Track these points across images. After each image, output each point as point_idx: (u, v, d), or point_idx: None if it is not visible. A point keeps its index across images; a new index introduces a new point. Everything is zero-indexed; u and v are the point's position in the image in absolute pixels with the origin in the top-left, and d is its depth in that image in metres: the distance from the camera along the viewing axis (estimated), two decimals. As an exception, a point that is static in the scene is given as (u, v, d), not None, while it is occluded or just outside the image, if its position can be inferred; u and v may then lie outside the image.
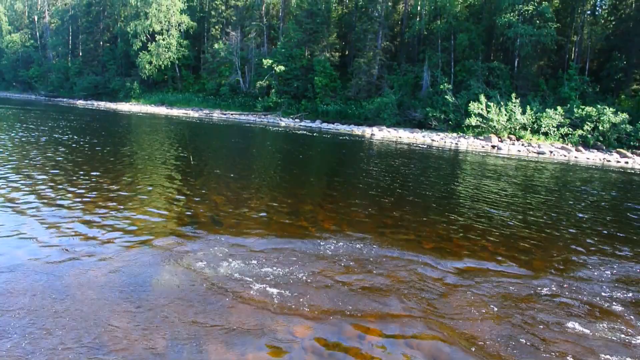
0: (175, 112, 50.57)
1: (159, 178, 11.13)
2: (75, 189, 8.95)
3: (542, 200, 12.23)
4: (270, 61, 47.44)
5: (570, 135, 32.61)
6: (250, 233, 6.82)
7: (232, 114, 48.57)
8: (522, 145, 32.17)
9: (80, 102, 60.70)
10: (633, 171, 23.76)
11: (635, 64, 36.36)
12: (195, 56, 60.63)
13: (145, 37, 57.50)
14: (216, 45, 54.41)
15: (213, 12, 59.51)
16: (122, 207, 7.87)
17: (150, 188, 9.74)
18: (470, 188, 13.48)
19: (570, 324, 4.60)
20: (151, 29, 57.05)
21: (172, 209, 8.01)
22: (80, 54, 70.32)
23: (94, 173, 10.97)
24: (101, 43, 68.05)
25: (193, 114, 49.11)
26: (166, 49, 57.03)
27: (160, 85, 61.17)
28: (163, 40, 57.02)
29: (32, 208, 7.37)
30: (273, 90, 48.36)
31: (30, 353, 3.51)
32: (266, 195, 9.91)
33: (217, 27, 58.72)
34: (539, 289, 5.50)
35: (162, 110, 51.61)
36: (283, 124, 41.84)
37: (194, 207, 8.22)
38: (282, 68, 46.66)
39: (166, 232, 6.62)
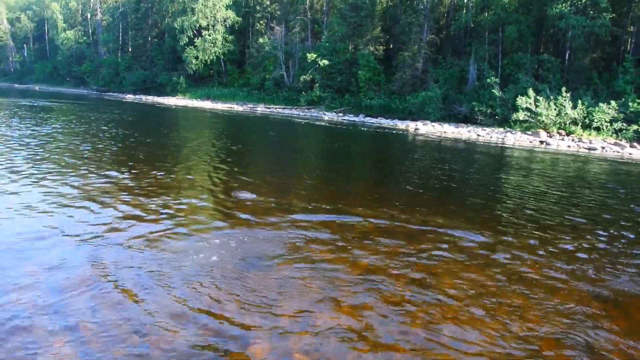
0: (220, 106, 51.50)
1: (210, 170, 11.47)
2: (131, 180, 9.37)
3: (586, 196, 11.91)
4: (314, 55, 47.58)
5: (624, 131, 31.35)
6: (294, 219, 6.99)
7: (275, 108, 49.05)
8: (572, 140, 31.18)
9: (129, 97, 62.65)
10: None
11: (696, 56, 34.54)
12: (240, 51, 61.49)
13: (191, 33, 58.71)
14: (261, 40, 55.04)
15: (258, 7, 60.22)
16: (180, 197, 8.19)
17: (203, 178, 10.07)
18: (513, 185, 13.25)
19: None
20: (197, 25, 58.19)
21: (222, 197, 8.27)
22: (130, 49, 72.61)
23: (146, 166, 11.40)
24: (149, 39, 70.02)
25: (237, 108, 49.91)
26: (212, 44, 58.05)
27: (205, 80, 62.37)
28: (209, 35, 58.07)
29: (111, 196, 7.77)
30: (317, 84, 48.54)
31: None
32: (310, 186, 10.06)
33: (261, 22, 59.38)
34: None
35: (207, 105, 52.65)
36: (326, 118, 41.98)
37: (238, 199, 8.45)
38: (326, 62, 46.74)
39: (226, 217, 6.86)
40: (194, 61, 58.45)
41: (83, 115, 25.73)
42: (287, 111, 47.22)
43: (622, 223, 9.09)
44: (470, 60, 40.52)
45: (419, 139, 27.88)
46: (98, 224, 6.60)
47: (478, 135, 33.04)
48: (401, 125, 37.20)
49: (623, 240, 7.70)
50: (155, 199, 8.10)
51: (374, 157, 18.52)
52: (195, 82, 62.60)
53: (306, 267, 5.41)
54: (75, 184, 8.88)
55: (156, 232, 6.34)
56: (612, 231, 8.20)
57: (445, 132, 34.07)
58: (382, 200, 9.20)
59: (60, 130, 18.89)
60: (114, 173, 10.08)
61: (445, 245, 6.66)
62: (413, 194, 10.22)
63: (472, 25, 42.97)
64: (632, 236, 7.99)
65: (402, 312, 4.52)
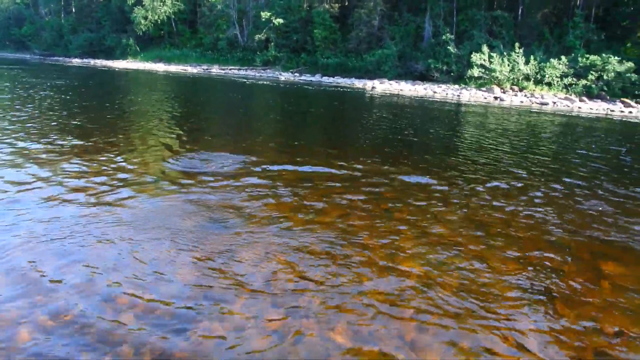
0: (173, 68, 49.87)
1: (164, 131, 11.05)
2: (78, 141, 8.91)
3: (517, 145, 12.18)
4: (268, 14, 46.37)
5: (574, 86, 32.14)
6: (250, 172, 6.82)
7: (230, 69, 47.86)
8: (525, 96, 31.77)
9: (75, 61, 59.72)
10: (637, 120, 23.59)
11: (642, 10, 35.45)
12: (191, 10, 59.19)
13: (140, -9, 56.14)
14: (212, -1, 53.15)
15: (208, -36, 57.82)
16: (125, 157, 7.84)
17: (154, 138, 9.68)
18: (468, 139, 13.40)
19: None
20: (144, -17, 55.63)
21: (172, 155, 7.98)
22: (73, 10, 68.74)
23: (95, 129, 10.88)
24: (94, -1, 66.51)
25: (191, 70, 48.42)
26: (161, 3, 55.64)
27: (156, 42, 60.03)
28: (157, -7, 55.63)
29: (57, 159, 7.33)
30: (272, 44, 47.50)
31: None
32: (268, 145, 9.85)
33: (212, -21, 57.15)
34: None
35: (160, 67, 50.87)
36: (283, 78, 41.30)
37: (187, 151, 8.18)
38: (281, 21, 45.67)
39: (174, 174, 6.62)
40: (143, 22, 55.99)
41: (24, 81, 24.29)
42: (242, 72, 46.16)
43: (573, 172, 9.31)
44: (425, 17, 40.36)
45: (376, 97, 27.78)
46: (32, 189, 6.21)
47: (434, 92, 33.23)
48: (358, 84, 36.98)
49: (576, 190, 7.87)
50: (103, 164, 7.70)
51: (332, 116, 18.32)
52: (145, 44, 60.19)
53: (268, 226, 5.26)
54: (12, 150, 8.33)
55: (104, 196, 6.02)
56: (565, 179, 8.38)
57: (402, 90, 34.09)
58: (342, 157, 9.08)
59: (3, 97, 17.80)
60: (56, 139, 9.51)
61: (407, 197, 6.63)
62: (372, 150, 10.15)
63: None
64: (584, 184, 8.18)
65: (363, 261, 4.45)
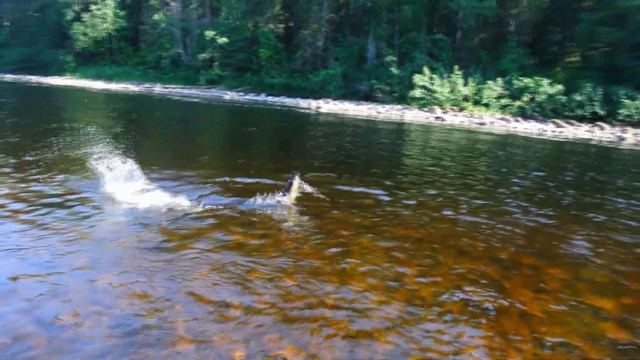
0: (114, 86, 48.42)
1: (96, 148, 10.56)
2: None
3: (452, 163, 12.52)
4: (213, 33, 46.01)
5: (509, 106, 33.58)
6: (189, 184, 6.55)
7: (174, 88, 46.98)
8: (465, 116, 32.86)
9: (8, 77, 56.94)
10: (567, 139, 24.80)
11: (569, 37, 37.68)
12: (134, 27, 57.92)
13: (78, 7, 54.42)
14: (156, 16, 52.13)
15: (151, -19, 56.90)
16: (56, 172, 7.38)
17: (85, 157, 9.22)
18: (411, 156, 13.62)
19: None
20: (84, -2, 54.11)
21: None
22: (7, 24, 65.74)
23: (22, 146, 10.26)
24: (30, 12, 63.72)
25: (133, 88, 47.17)
26: (102, 20, 54.17)
27: (96, 58, 58.23)
28: (98, 10, 54.10)
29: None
30: (216, 63, 47.09)
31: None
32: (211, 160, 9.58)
33: (156, -4, 56.26)
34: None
35: (100, 85, 49.27)
36: (227, 97, 40.90)
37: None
38: (226, 40, 45.39)
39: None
40: (82, 38, 54.24)
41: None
42: (186, 91, 45.38)
43: (509, 188, 9.55)
44: (369, 39, 41.24)
45: (322, 117, 27.94)
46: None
47: (378, 112, 33.80)
48: (303, 103, 37.11)
49: (512, 205, 8.05)
50: (31, 182, 7.22)
51: (279, 136, 18.22)
52: (84, 61, 58.25)
53: (208, 244, 5.02)
54: None
55: (35, 215, 5.60)
56: (502, 195, 8.57)
57: (347, 109, 34.48)
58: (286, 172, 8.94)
59: None
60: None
61: (354, 209, 6.55)
62: (319, 167, 10.06)
63: (370, 5, 43.58)
64: (519, 199, 8.39)
65: (311, 276, 4.30)
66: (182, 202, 6.38)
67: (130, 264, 4.32)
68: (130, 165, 7.33)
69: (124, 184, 7.05)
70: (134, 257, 4.50)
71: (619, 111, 30.77)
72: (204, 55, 47.22)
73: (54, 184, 7.05)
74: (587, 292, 4.45)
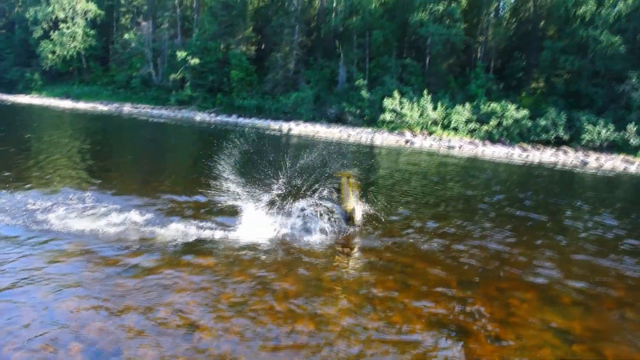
0: (83, 105, 47.61)
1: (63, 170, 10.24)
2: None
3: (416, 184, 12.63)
4: (184, 53, 45.82)
5: (477, 131, 34.26)
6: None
7: (144, 108, 46.44)
8: (434, 140, 33.36)
9: (-29, 94, 55.52)
10: (532, 164, 25.34)
11: (534, 64, 38.84)
12: (104, 46, 57.31)
13: (47, 25, 53.64)
14: (126, 36, 51.70)
15: (123, 1, 56.50)
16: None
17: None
18: (380, 180, 13.67)
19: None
20: (54, 16, 53.29)
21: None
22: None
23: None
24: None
25: (102, 107, 46.48)
26: (71, 38, 53.47)
27: (65, 77, 57.29)
28: (67, 28, 53.42)
29: None
30: (187, 83, 46.83)
31: None
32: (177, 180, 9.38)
33: (127, 16, 55.94)
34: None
35: (67, 104, 48.36)
36: (198, 118, 40.65)
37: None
38: (197, 61, 45.25)
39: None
40: (50, 56, 53.36)
41: None
42: (156, 111, 44.91)
43: (476, 211, 9.62)
44: (340, 63, 41.71)
45: (293, 139, 27.94)
46: None
47: (349, 135, 34.02)
48: (274, 125, 37.12)
49: (478, 228, 8.09)
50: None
51: (250, 157, 18.08)
52: (52, 79, 57.24)
53: (170, 268, 4.86)
54: None
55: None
56: (470, 218, 8.61)
57: (318, 132, 34.61)
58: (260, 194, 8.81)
59: None
60: None
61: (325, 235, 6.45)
62: (290, 189, 9.96)
63: (342, 29, 44.23)
64: (486, 222, 8.44)
65: (275, 305, 4.17)
66: (148, 223, 6.19)
67: (93, 289, 4.14)
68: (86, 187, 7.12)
69: (76, 207, 6.83)
70: (97, 281, 4.32)
71: (582, 136, 31.73)
72: (174, 76, 46.94)
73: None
74: (554, 314, 4.45)
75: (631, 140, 31.00)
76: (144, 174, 11.27)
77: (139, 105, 47.43)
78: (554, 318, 4.39)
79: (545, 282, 5.41)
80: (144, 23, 51.16)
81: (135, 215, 6.74)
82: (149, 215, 6.88)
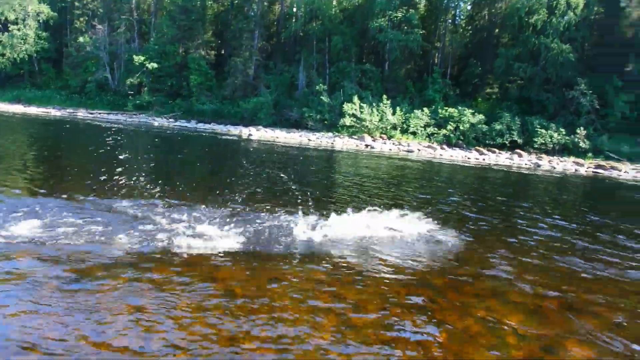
0: (34, 110, 45.91)
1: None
2: None
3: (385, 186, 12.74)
4: (141, 58, 44.94)
5: (435, 135, 34.87)
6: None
7: (100, 113, 45.18)
8: (393, 144, 33.72)
9: None
10: (489, 166, 25.90)
11: (489, 70, 39.89)
12: (57, 49, 55.56)
13: (-5, 27, 51.75)
14: (81, 39, 50.31)
15: (77, 3, 54.88)
16: None
17: None
18: (341, 182, 13.67)
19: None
20: (3, 18, 51.36)
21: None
22: None
23: None
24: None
25: (55, 112, 44.91)
26: (22, 41, 51.66)
27: (15, 81, 55.22)
28: (18, 30, 51.59)
29: None
30: (145, 88, 45.96)
31: None
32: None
33: (81, 19, 54.36)
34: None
35: (18, 109, 46.58)
36: (156, 123, 39.83)
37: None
38: (155, 65, 44.47)
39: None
40: (-1, 59, 51.46)
41: None
42: (112, 116, 43.77)
43: (437, 213, 9.70)
44: (299, 68, 41.76)
45: (253, 143, 27.71)
46: None
47: (309, 140, 34.01)
48: (234, 130, 36.76)
49: (440, 229, 8.12)
50: None
51: (208, 162, 17.79)
52: (1, 83, 55.12)
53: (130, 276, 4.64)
54: None
55: None
56: (431, 218, 8.64)
57: (277, 137, 34.44)
58: (214, 200, 8.61)
59: None
60: None
61: (284, 237, 6.34)
62: (245, 193, 9.79)
63: (301, 34, 44.34)
64: (447, 224, 8.48)
65: (235, 309, 4.02)
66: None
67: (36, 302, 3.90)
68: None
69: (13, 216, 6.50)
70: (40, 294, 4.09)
71: (535, 139, 32.73)
72: (132, 80, 45.96)
73: None
74: (511, 315, 4.47)
75: (581, 144, 32.20)
76: (94, 181, 10.87)
77: (94, 111, 46.11)
78: (506, 317, 4.41)
79: (498, 282, 5.44)
80: (99, 26, 49.83)
81: (80, 222, 6.47)
82: (95, 225, 6.62)
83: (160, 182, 10.80)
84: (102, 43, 49.03)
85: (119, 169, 10.69)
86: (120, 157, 14.54)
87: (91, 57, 50.30)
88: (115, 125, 33.42)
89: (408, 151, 31.22)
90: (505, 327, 4.15)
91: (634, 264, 6.63)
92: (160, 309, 3.99)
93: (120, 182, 9.29)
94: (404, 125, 35.69)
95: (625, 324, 4.47)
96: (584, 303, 4.99)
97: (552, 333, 4.17)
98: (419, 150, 31.83)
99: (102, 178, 9.63)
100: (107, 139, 22.77)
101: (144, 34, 52.64)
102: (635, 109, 33.61)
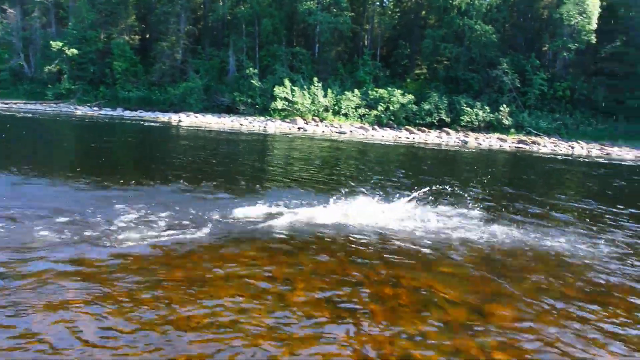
0: (-60, 102, 42.46)
1: None
2: None
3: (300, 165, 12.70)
4: (60, 44, 42.36)
5: (366, 116, 35.25)
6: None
7: (15, 103, 42.26)
8: (326, 126, 33.78)
9: None
10: (419, 145, 26.48)
11: (417, 51, 40.70)
12: (-35, 36, 51.49)
13: None
14: (-10, 24, 46.86)
15: (-16, -14, 51.04)
16: None
17: None
18: (276, 165, 13.46)
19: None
20: None
21: None
22: None
23: None
24: None
25: (-37, 104, 41.73)
26: None
27: None
28: None
29: None
30: (65, 75, 43.41)
31: None
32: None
33: (-10, 3, 50.57)
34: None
35: None
36: (79, 112, 37.78)
37: None
38: (75, 51, 42.04)
39: None
40: None
41: None
42: (30, 107, 41.08)
43: (368, 188, 9.68)
44: (229, 52, 40.87)
45: (183, 130, 26.85)
46: None
47: (241, 124, 33.44)
48: (163, 117, 35.50)
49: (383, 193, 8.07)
50: None
51: (138, 152, 16.97)
52: None
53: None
54: None
55: None
56: (370, 192, 8.59)
57: (209, 122, 33.61)
58: (152, 193, 8.15)
59: None
60: None
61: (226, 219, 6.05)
62: (179, 180, 9.37)
63: (230, 18, 43.34)
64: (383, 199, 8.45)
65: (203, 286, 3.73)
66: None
67: None
68: None
69: None
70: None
71: (461, 118, 33.81)
72: (50, 68, 43.27)
73: None
74: (435, 281, 4.49)
75: (504, 121, 33.60)
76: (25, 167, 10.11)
77: (9, 101, 43.05)
78: (434, 285, 4.41)
79: (426, 251, 5.45)
80: (10, 10, 46.51)
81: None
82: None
83: (79, 170, 10.20)
84: (14, 28, 45.84)
85: (42, 160, 10.02)
86: (43, 148, 13.62)
87: (3, 44, 46.92)
88: (31, 115, 31.41)
89: (340, 133, 31.37)
90: (435, 299, 4.15)
91: (552, 230, 6.89)
92: (92, 300, 3.68)
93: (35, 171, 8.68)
94: (336, 107, 35.82)
95: (545, 286, 4.61)
96: (507, 269, 5.10)
97: (479, 298, 4.23)
98: (351, 131, 32.07)
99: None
100: (20, 131, 21.35)
101: (62, 18, 49.59)
102: (551, 87, 35.41)
